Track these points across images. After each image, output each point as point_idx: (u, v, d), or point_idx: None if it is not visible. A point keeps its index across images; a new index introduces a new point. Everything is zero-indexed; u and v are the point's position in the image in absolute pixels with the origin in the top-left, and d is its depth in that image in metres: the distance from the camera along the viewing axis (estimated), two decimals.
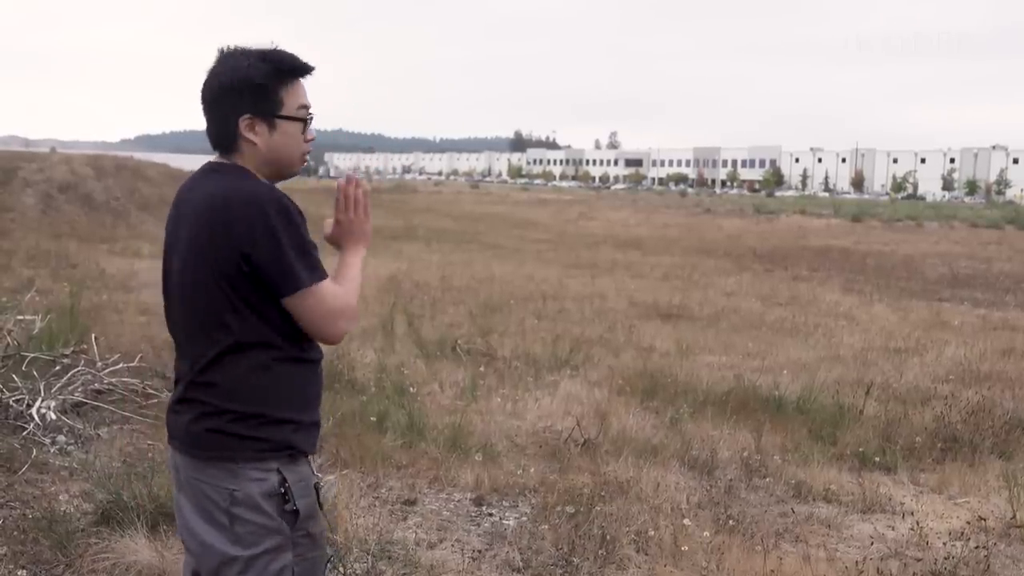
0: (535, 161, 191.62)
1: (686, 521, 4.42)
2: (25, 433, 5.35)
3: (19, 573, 3.72)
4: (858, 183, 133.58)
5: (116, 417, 5.89)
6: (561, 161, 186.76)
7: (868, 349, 10.15)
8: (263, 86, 2.03)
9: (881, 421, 6.46)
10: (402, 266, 16.93)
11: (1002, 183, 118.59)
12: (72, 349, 7.10)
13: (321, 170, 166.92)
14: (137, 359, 6.92)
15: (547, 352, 8.72)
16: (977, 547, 4.16)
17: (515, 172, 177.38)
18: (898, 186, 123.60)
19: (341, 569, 3.70)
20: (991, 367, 8.97)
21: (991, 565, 4.06)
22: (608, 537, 4.17)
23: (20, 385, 5.87)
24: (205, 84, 2.06)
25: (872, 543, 4.34)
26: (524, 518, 4.57)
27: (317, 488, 2.15)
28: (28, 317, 7.70)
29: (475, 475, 5.07)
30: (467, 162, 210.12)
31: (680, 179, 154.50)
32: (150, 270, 13.43)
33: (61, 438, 5.40)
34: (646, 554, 4.12)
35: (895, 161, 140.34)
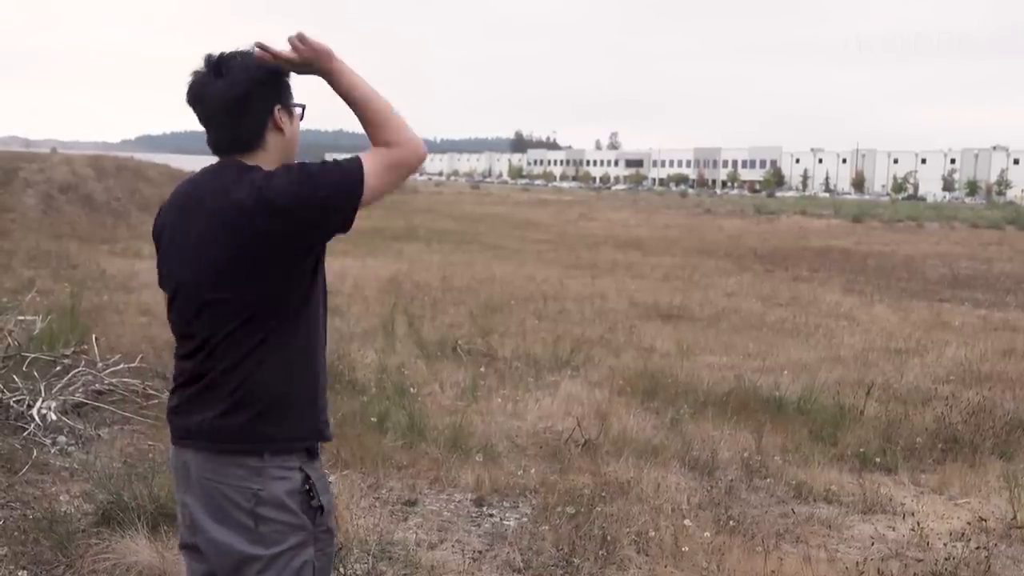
0: (536, 162, 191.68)
1: (687, 522, 4.42)
2: (26, 434, 5.36)
3: (20, 574, 3.72)
4: (859, 184, 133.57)
5: (117, 418, 5.89)
6: (561, 162, 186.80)
7: (869, 350, 10.15)
8: (282, 76, 2.09)
9: (882, 422, 6.45)
10: (403, 266, 16.94)
11: (1003, 184, 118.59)
12: (73, 350, 7.10)
13: None
14: (138, 360, 6.93)
15: (548, 352, 8.72)
16: (978, 548, 4.16)
17: (515, 173, 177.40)
18: (899, 187, 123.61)
19: (341, 570, 3.70)
20: (992, 368, 8.97)
21: (992, 566, 4.05)
22: (609, 538, 4.17)
23: (21, 386, 5.87)
24: (210, 94, 2.04)
25: (873, 544, 4.34)
26: (525, 519, 4.57)
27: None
28: (29, 317, 7.70)
29: (476, 476, 5.07)
30: (467, 163, 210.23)
31: (681, 180, 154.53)
32: (151, 271, 13.37)
33: (62, 439, 5.40)
34: (647, 555, 4.12)
35: (896, 162, 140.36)
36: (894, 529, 4.65)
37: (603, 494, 4.81)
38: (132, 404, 6.10)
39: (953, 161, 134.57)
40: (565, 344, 8.97)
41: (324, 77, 2.05)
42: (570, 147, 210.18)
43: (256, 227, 1.96)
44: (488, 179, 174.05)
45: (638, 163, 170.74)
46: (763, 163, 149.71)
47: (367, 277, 14.78)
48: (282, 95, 2.10)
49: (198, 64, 2.07)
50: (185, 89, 2.08)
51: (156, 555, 3.72)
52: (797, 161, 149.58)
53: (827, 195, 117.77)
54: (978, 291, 17.05)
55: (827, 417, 6.54)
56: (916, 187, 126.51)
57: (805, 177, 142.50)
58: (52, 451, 5.22)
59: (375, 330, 9.59)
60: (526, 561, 4.03)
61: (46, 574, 3.73)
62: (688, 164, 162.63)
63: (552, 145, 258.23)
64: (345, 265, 15.78)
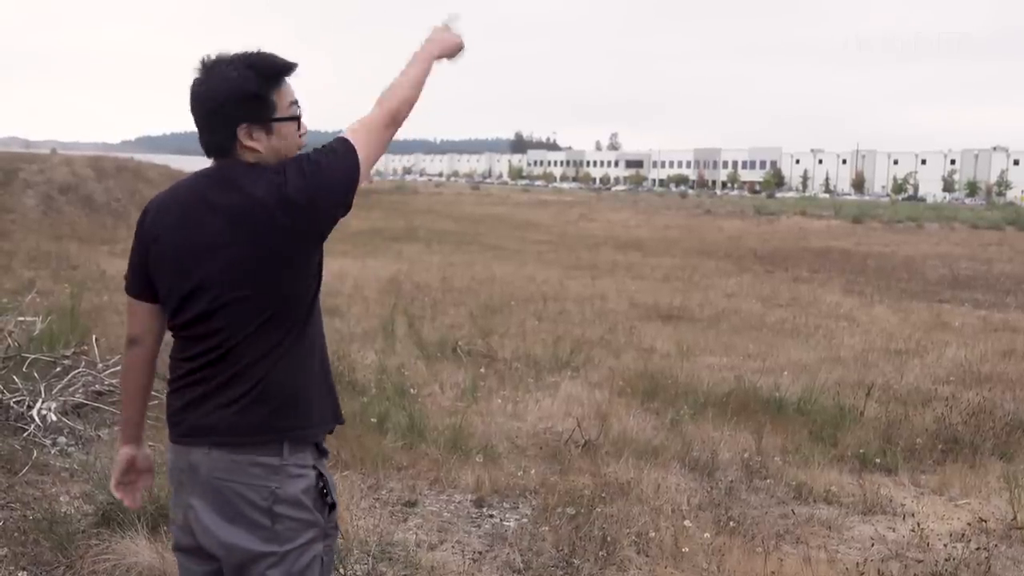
0: (536, 162, 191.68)
1: (687, 522, 4.42)
2: (26, 434, 5.35)
3: (20, 574, 3.71)
4: (859, 184, 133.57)
5: (117, 418, 5.88)
6: (562, 162, 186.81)
7: (869, 350, 10.15)
8: (256, 94, 2.04)
9: (882, 422, 6.45)
10: (403, 267, 16.95)
11: (1003, 184, 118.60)
12: (73, 350, 7.09)
13: None
14: None
15: (548, 353, 8.72)
16: (978, 548, 4.16)
17: (516, 173, 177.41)
18: (899, 187, 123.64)
19: (341, 570, 3.70)
20: (992, 368, 8.97)
21: (992, 567, 4.05)
22: (609, 538, 4.17)
23: (21, 386, 5.87)
24: (194, 97, 2.06)
25: (873, 544, 4.34)
26: (525, 519, 4.57)
27: None
28: (29, 318, 7.69)
29: (476, 476, 5.06)
30: (468, 163, 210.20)
31: (681, 180, 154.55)
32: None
33: (62, 439, 5.40)
34: (647, 555, 4.11)
35: (896, 162, 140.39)
36: (894, 530, 4.65)
37: (603, 495, 4.81)
38: None
39: (953, 162, 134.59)
40: (565, 345, 8.97)
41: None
42: (570, 148, 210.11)
43: (277, 223, 2.00)
44: (488, 180, 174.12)
45: (638, 164, 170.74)
46: (763, 164, 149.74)
47: (367, 278, 14.78)
48: (252, 113, 2.04)
49: (200, 65, 2.09)
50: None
51: (156, 556, 3.72)
52: (797, 162, 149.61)
53: (827, 196, 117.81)
54: (978, 292, 17.06)
55: (827, 418, 6.54)
56: (916, 188, 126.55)
57: (805, 178, 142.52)
58: (52, 452, 5.22)
59: (375, 331, 9.59)
60: (526, 562, 4.03)
61: (46, 575, 3.73)
62: (688, 165, 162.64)
63: (552, 146, 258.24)
64: (345, 266, 15.79)
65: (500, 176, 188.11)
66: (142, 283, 2.16)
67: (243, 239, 2.01)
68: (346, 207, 2.11)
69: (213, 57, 2.07)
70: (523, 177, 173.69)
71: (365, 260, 17.99)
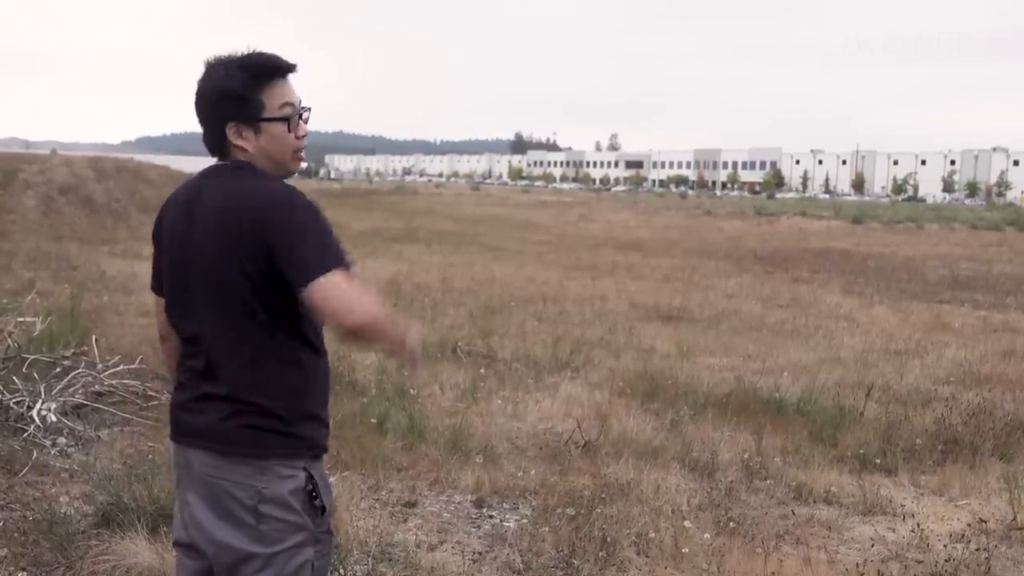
0: (535, 163, 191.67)
1: (687, 523, 4.41)
2: (26, 435, 5.35)
3: (19, 575, 3.72)
4: (859, 185, 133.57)
5: (116, 419, 5.89)
6: (561, 163, 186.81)
7: (869, 351, 10.15)
8: (240, 93, 2.06)
9: (882, 423, 6.45)
10: (403, 268, 16.95)
11: (1002, 185, 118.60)
12: (73, 351, 7.10)
13: (322, 172, 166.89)
14: (137, 361, 6.92)
15: (548, 354, 8.72)
16: (978, 549, 4.15)
17: (515, 174, 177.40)
18: (898, 188, 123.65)
19: (341, 571, 3.70)
20: (992, 369, 8.97)
21: (992, 567, 4.05)
22: (608, 539, 4.17)
23: (21, 387, 5.87)
24: (195, 96, 2.11)
25: (873, 545, 4.34)
26: (525, 520, 4.57)
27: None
28: (29, 319, 7.69)
29: (475, 477, 5.06)
30: (468, 164, 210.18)
31: (680, 181, 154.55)
32: (150, 272, 13.41)
33: (62, 440, 5.40)
34: (647, 556, 4.11)
35: (895, 163, 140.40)
36: (894, 530, 4.65)
37: (603, 495, 4.81)
38: (132, 405, 6.10)
39: (953, 162, 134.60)
40: (565, 345, 8.97)
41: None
42: (570, 148, 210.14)
43: (244, 238, 1.98)
44: (488, 180, 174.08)
45: (638, 164, 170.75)
46: (763, 164, 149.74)
47: (367, 279, 14.69)
48: (239, 112, 2.07)
49: (203, 64, 2.12)
50: None
51: (156, 556, 3.71)
52: (797, 162, 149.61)
53: (827, 196, 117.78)
54: (978, 292, 17.06)
55: (827, 418, 6.54)
56: (916, 188, 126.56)
57: (805, 178, 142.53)
58: (52, 452, 5.21)
59: None
60: (526, 562, 4.03)
61: (46, 575, 3.73)
62: (688, 165, 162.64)
63: (552, 146, 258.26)
64: None
65: (500, 177, 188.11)
66: (158, 281, 2.24)
67: (219, 243, 2.01)
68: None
69: (215, 58, 2.10)
70: (523, 178, 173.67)
71: (365, 261, 17.99)
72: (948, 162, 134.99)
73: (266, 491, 2.03)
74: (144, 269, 14.35)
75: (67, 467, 4.97)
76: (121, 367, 6.67)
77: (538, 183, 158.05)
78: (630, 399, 7.14)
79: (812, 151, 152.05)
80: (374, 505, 4.63)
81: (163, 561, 3.67)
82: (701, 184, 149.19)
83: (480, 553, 4.16)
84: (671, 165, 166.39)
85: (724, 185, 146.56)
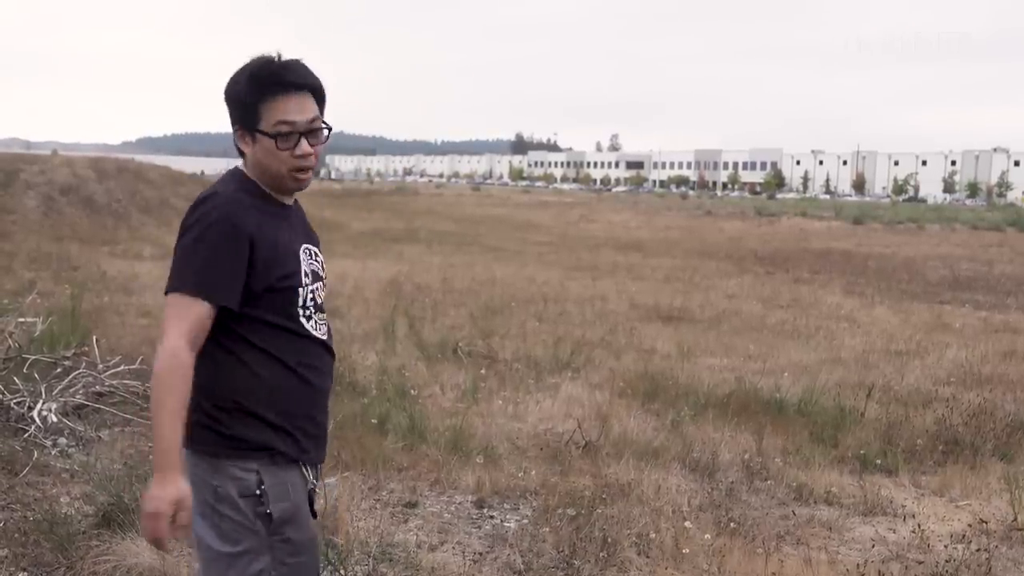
0: (536, 163, 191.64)
1: (687, 524, 4.41)
2: (26, 435, 5.36)
3: (20, 575, 3.72)
4: (859, 185, 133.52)
5: (117, 419, 5.89)
6: (562, 163, 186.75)
7: (869, 351, 10.15)
8: (243, 101, 2.11)
9: (882, 423, 6.45)
10: (403, 268, 16.95)
11: (1003, 185, 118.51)
12: (73, 351, 7.10)
13: (323, 172, 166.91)
14: (138, 361, 6.92)
15: (548, 354, 8.72)
16: (978, 550, 4.15)
17: (516, 174, 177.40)
18: (899, 188, 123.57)
19: (342, 572, 3.70)
20: (992, 369, 8.97)
21: (992, 568, 4.05)
22: (609, 539, 4.17)
23: (21, 387, 5.87)
24: None
25: (873, 546, 4.34)
26: (525, 520, 4.57)
27: (312, 495, 2.18)
28: (29, 319, 7.70)
29: (476, 477, 5.06)
30: (468, 164, 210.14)
31: (681, 181, 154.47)
32: (151, 272, 13.44)
33: (62, 440, 5.40)
34: (647, 556, 4.11)
35: (896, 163, 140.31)
36: (895, 531, 4.65)
37: (604, 496, 4.81)
38: (132, 406, 6.10)
39: (954, 163, 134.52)
40: (566, 346, 8.97)
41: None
42: (571, 149, 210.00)
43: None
44: (489, 181, 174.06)
45: (639, 165, 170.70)
46: (764, 165, 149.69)
47: (368, 279, 14.79)
48: (242, 119, 2.13)
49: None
50: None
51: (156, 557, 3.71)
52: (798, 163, 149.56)
53: (828, 197, 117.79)
54: (979, 293, 17.05)
55: (828, 419, 6.54)
56: (917, 189, 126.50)
57: (806, 179, 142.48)
58: (53, 453, 5.22)
59: (376, 332, 9.59)
60: (527, 563, 4.03)
61: (46, 575, 3.73)
62: (689, 166, 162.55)
63: (553, 147, 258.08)
64: (345, 267, 15.81)
65: (501, 177, 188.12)
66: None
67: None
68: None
69: (251, 58, 2.17)
70: (524, 178, 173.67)
71: (366, 261, 18.01)
72: (949, 163, 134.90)
73: (220, 490, 2.06)
74: (144, 270, 14.41)
75: (68, 467, 4.97)
76: (122, 367, 6.68)
77: (539, 183, 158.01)
78: (631, 399, 7.13)
79: (813, 151, 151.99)
80: (375, 505, 4.63)
81: (164, 562, 3.68)
82: (702, 184, 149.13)
83: (481, 553, 4.16)
84: (672, 165, 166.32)
85: (725, 185, 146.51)
